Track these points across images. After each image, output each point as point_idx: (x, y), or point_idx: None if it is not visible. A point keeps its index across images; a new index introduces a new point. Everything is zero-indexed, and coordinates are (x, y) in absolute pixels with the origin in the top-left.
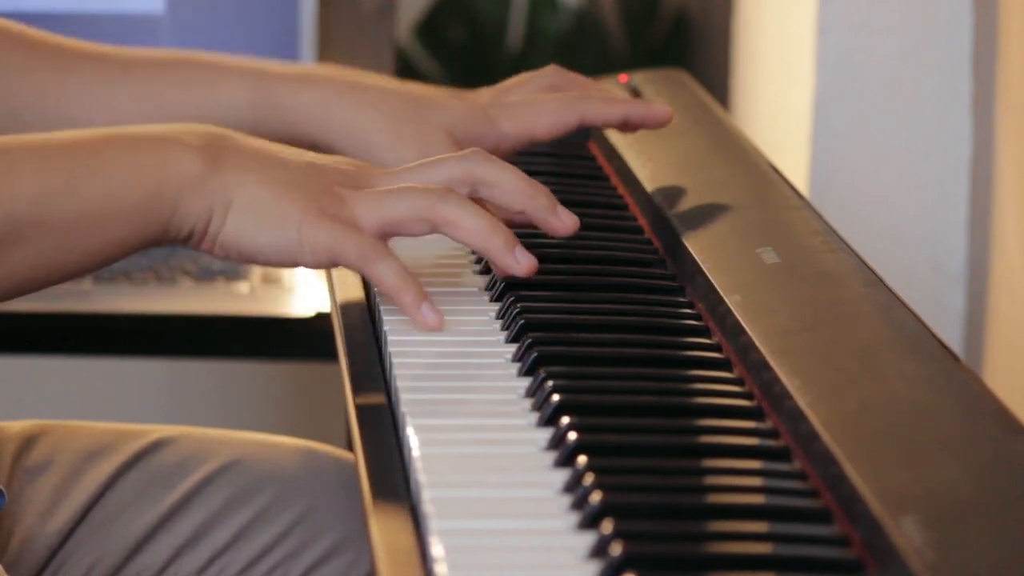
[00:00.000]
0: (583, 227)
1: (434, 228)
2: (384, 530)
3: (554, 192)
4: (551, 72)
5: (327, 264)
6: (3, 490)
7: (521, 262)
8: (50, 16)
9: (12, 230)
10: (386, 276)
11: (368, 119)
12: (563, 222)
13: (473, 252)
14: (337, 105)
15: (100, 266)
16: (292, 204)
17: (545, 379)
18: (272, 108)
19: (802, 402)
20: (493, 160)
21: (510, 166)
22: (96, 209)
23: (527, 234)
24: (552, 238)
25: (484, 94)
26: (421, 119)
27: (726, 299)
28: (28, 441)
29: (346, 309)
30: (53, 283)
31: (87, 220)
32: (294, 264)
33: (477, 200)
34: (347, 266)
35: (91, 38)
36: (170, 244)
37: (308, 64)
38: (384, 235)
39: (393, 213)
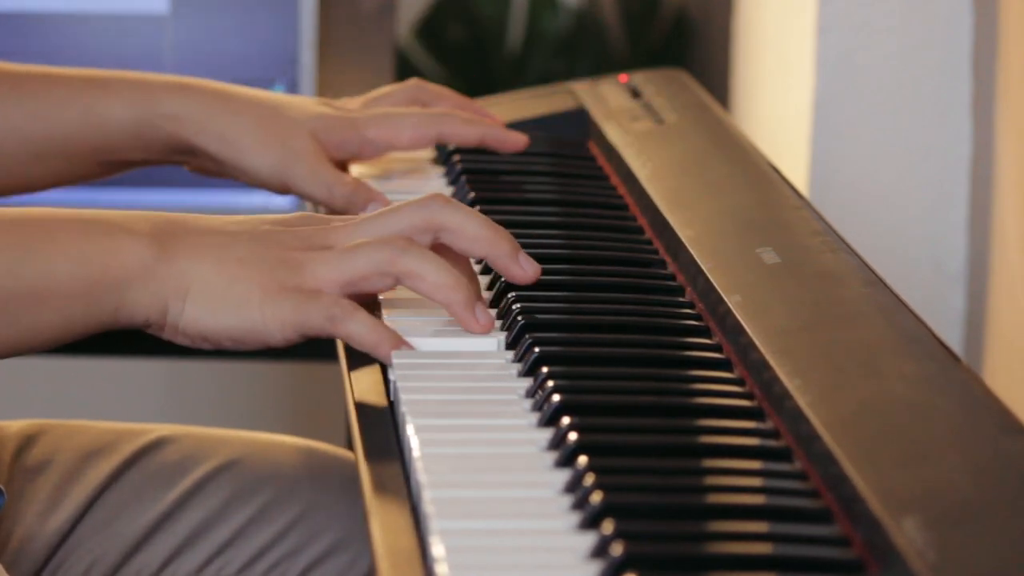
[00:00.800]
0: (583, 227)
1: (397, 282)
2: (385, 530)
3: (554, 192)
4: (414, 86)
5: (297, 338)
6: (3, 489)
7: (481, 320)
8: (53, 16)
9: None
10: (357, 334)
11: (239, 125)
12: (524, 270)
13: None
14: (213, 112)
15: (49, 345)
16: (250, 284)
17: (546, 379)
18: (154, 117)
19: (802, 402)
20: (454, 205)
21: (471, 211)
22: (38, 289)
23: (528, 233)
24: (552, 239)
25: (352, 102)
26: (286, 122)
27: (726, 299)
28: (27, 440)
29: None
30: (1, 357)
31: (28, 299)
32: (264, 345)
33: (439, 247)
34: (317, 335)
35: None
36: (124, 328)
37: (186, 77)
38: (348, 295)
39: (353, 271)
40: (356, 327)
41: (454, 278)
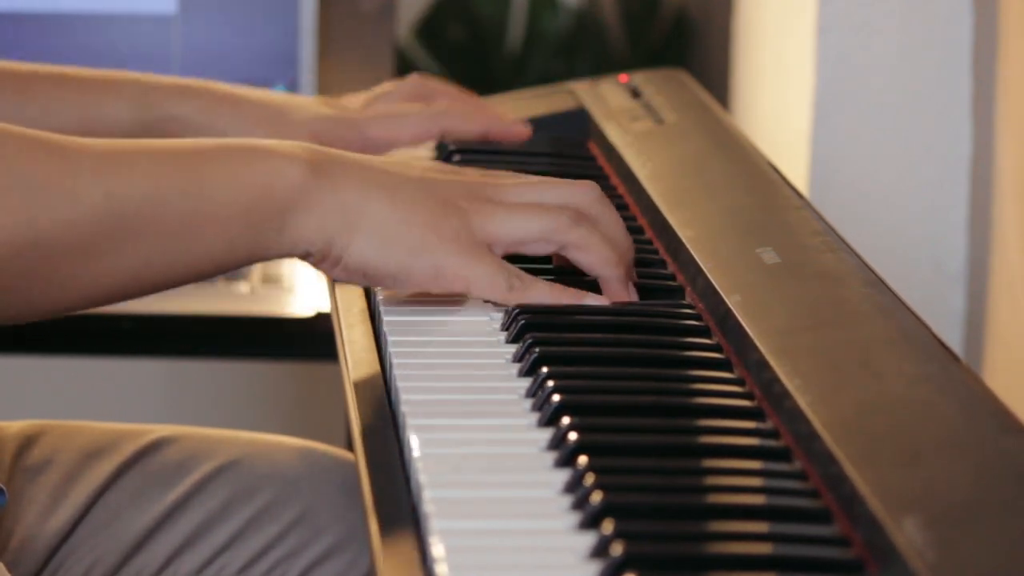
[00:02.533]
0: None
1: (558, 250)
2: (385, 530)
3: None
4: (414, 82)
5: (462, 292)
6: (3, 488)
7: (632, 295)
8: (61, 16)
9: (123, 227)
10: (542, 299)
11: (241, 127)
12: (627, 293)
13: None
14: (216, 114)
15: (205, 275)
16: (425, 229)
17: (545, 379)
18: (155, 119)
19: (802, 402)
20: (605, 200)
21: (615, 211)
22: (205, 212)
23: None
24: None
25: (354, 101)
26: (288, 124)
27: (726, 299)
28: (28, 441)
29: (346, 309)
30: (153, 290)
31: (196, 223)
32: (424, 288)
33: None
34: (489, 298)
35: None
36: (284, 258)
37: (188, 79)
38: (510, 252)
39: (524, 232)
40: (540, 295)
41: (617, 254)
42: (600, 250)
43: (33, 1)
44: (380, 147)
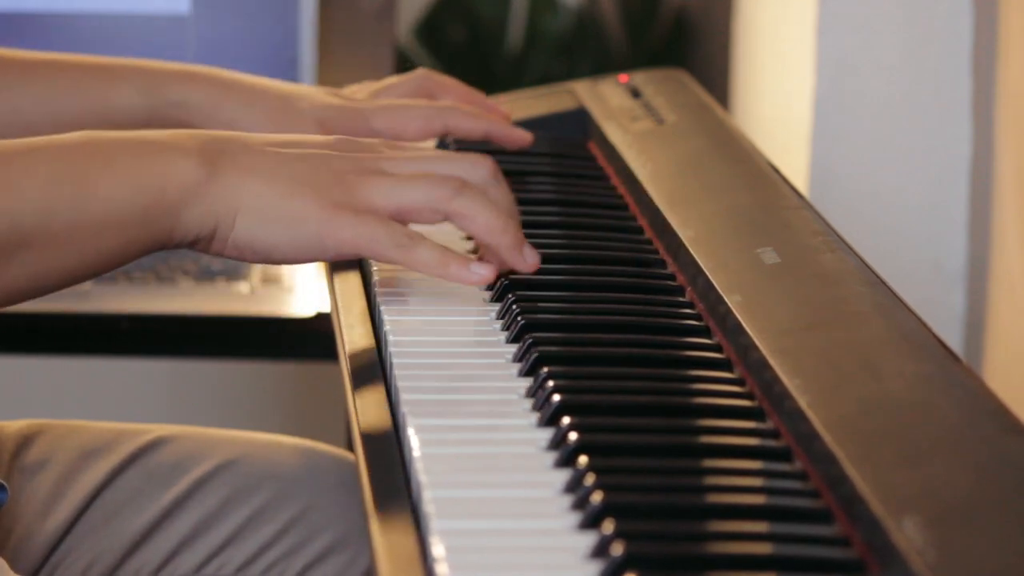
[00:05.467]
0: (583, 227)
1: (446, 219)
2: (385, 530)
3: (554, 192)
4: (421, 76)
5: (352, 257)
6: (5, 485)
7: (528, 260)
8: (75, 16)
9: (16, 238)
10: (425, 261)
11: (249, 113)
12: (526, 261)
13: (473, 251)
14: (223, 100)
15: (101, 272)
16: (304, 201)
17: (546, 379)
18: (163, 105)
19: (802, 402)
20: (499, 176)
21: (508, 189)
22: (99, 218)
23: (528, 233)
24: (553, 238)
25: (359, 91)
26: (295, 111)
27: (726, 299)
28: (26, 440)
29: (346, 309)
30: (54, 290)
31: (91, 228)
32: (314, 259)
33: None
34: (377, 257)
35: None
36: (174, 248)
37: (194, 65)
38: (396, 220)
39: (409, 201)
40: (425, 254)
41: (503, 221)
42: (486, 218)
43: (46, 1)
44: (385, 138)
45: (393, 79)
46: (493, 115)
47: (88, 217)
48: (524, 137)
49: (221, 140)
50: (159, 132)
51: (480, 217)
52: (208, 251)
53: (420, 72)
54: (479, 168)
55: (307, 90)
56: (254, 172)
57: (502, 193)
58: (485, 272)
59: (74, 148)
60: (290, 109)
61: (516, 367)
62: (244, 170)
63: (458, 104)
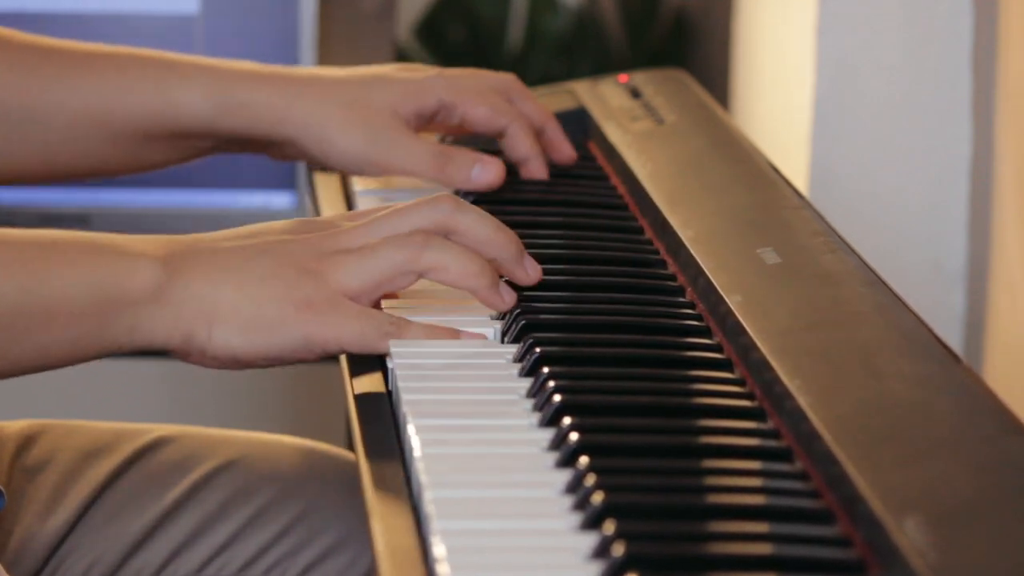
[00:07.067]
0: (583, 227)
1: (420, 277)
2: (386, 530)
3: (554, 192)
4: (511, 79)
5: (340, 352)
6: (2, 490)
7: (505, 298)
8: (84, 16)
9: None
10: (417, 339)
11: (324, 111)
12: (528, 273)
13: None
14: (296, 99)
15: (60, 365)
16: (280, 303)
17: (546, 380)
18: (231, 104)
19: (803, 402)
20: (464, 206)
21: (480, 212)
22: (48, 307)
23: (529, 233)
24: (553, 238)
25: (433, 71)
26: (367, 102)
27: (727, 299)
28: (27, 440)
29: None
30: (6, 376)
31: (39, 317)
32: (302, 361)
33: None
34: (366, 352)
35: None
36: (139, 352)
37: (256, 64)
38: (374, 298)
39: (378, 274)
40: (413, 336)
41: (477, 265)
42: (458, 267)
43: (56, 1)
44: (454, 116)
45: (481, 71)
46: (538, 147)
47: (37, 303)
48: (540, 172)
49: (183, 243)
50: (121, 236)
51: (452, 266)
52: (188, 360)
53: (511, 77)
54: (437, 210)
55: (380, 73)
56: (220, 278)
57: (471, 221)
58: (476, 330)
59: (28, 241)
60: (365, 103)
61: (517, 367)
62: (209, 276)
63: (530, 117)
